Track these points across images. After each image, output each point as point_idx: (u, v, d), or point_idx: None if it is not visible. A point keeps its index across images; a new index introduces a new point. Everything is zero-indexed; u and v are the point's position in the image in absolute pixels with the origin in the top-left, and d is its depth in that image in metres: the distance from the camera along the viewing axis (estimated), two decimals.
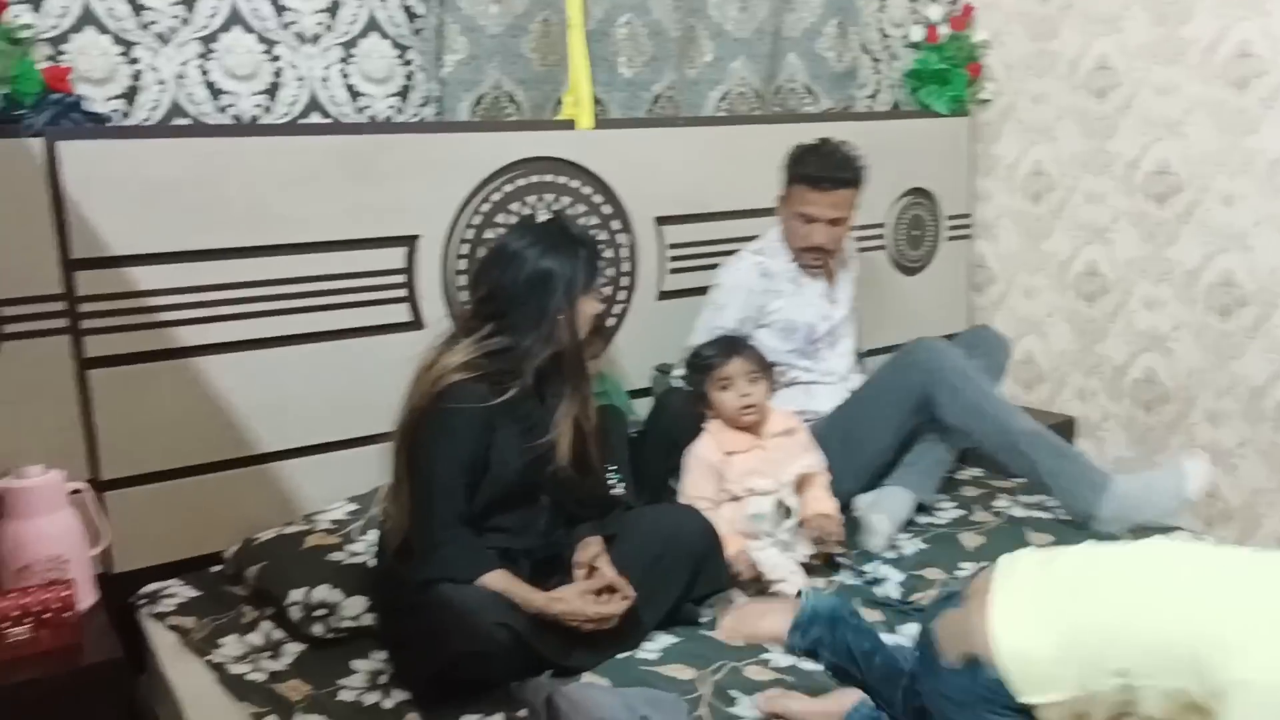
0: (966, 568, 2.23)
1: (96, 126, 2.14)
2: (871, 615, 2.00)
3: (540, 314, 1.91)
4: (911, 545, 2.36)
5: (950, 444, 2.51)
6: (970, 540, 2.38)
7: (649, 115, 2.86)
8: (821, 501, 2.20)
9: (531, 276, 1.92)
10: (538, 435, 1.91)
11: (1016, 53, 3.35)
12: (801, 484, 2.23)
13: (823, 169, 2.52)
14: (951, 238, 3.42)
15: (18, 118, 2.03)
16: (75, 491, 2.02)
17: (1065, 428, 3.28)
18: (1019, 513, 2.50)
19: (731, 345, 2.30)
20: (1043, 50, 3.27)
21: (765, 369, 2.30)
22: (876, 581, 2.16)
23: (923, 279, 3.37)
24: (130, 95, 2.21)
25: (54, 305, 2.05)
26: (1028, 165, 3.37)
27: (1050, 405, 3.40)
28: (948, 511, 2.54)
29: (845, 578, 2.19)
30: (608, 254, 2.70)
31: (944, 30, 3.30)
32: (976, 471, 2.80)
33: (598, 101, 2.77)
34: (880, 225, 3.23)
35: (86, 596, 2.00)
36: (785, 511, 2.13)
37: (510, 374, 1.88)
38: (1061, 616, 1.40)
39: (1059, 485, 2.35)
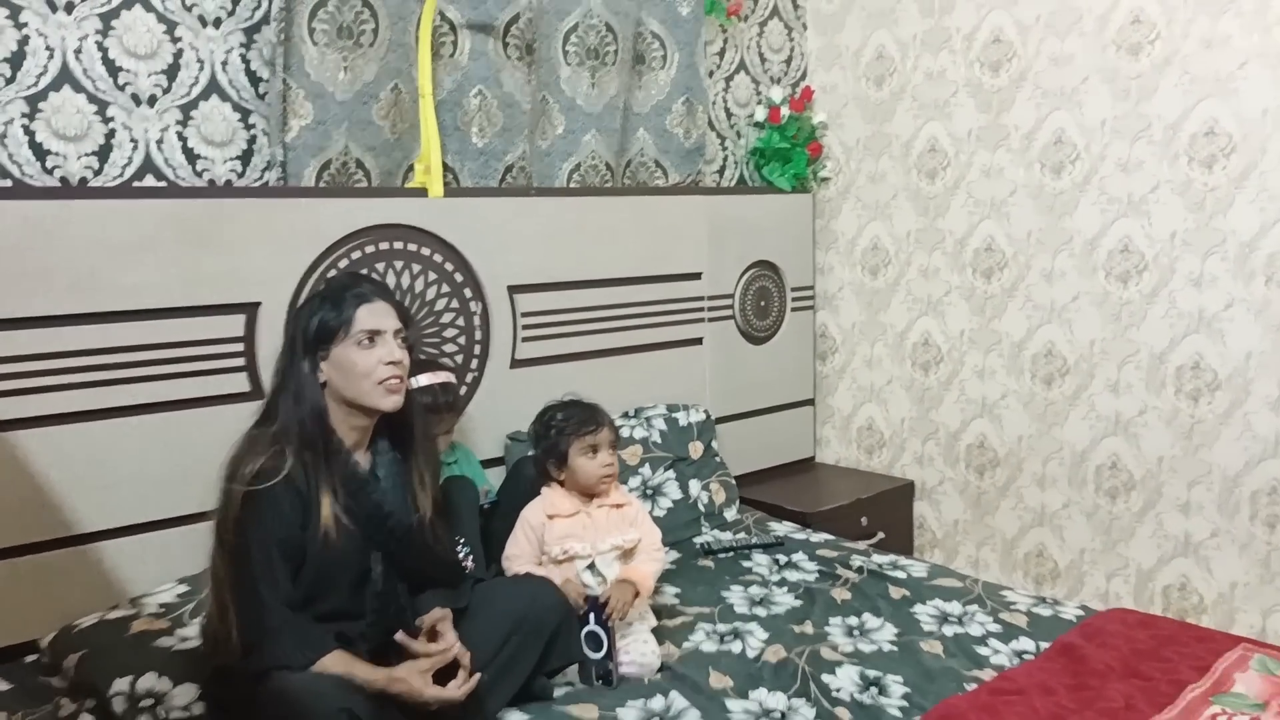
0: (837, 621, 2.30)
1: None
2: (722, 681, 2.01)
3: (284, 377, 1.87)
4: (784, 600, 2.41)
5: None
6: (839, 594, 2.46)
7: (501, 185, 2.87)
8: (630, 569, 2.18)
9: (283, 342, 1.90)
10: (364, 502, 1.85)
11: (854, 134, 3.53)
12: (627, 555, 2.25)
13: None
14: (796, 309, 3.54)
15: None
16: None
17: (905, 492, 3.42)
18: (874, 569, 2.60)
19: (597, 412, 2.31)
20: (878, 132, 3.45)
21: (618, 442, 2.32)
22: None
23: (771, 348, 3.46)
24: None
25: None
26: (866, 241, 3.53)
27: (890, 470, 3.53)
28: (810, 572, 2.61)
29: (699, 641, 2.19)
30: (457, 322, 2.68)
31: (785, 111, 3.45)
32: (827, 535, 2.88)
33: (449, 171, 2.76)
34: (729, 296, 3.31)
35: None
36: (600, 579, 2.16)
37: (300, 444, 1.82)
38: None
39: None
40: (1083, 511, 3.08)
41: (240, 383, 2.32)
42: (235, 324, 2.32)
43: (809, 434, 3.64)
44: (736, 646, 2.17)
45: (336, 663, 1.72)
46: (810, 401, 3.63)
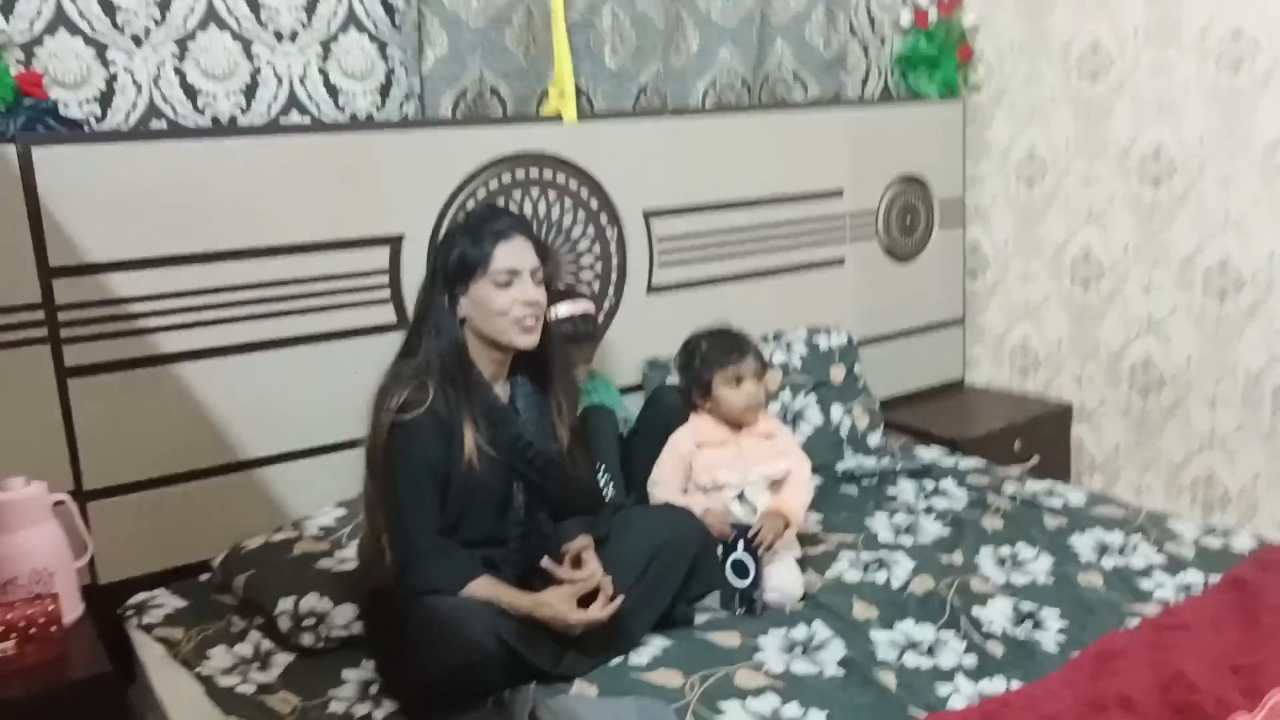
0: (988, 552, 2.22)
1: (71, 132, 2.10)
2: (866, 611, 1.98)
3: (425, 311, 1.90)
4: (932, 529, 2.35)
5: None
6: (990, 523, 2.37)
7: (635, 107, 2.82)
8: (781, 500, 2.15)
9: (425, 275, 1.93)
10: (505, 433, 1.88)
11: (1008, 36, 3.30)
12: (777, 491, 2.20)
13: None
14: (944, 224, 3.38)
15: None
16: (58, 503, 1.99)
17: (1062, 415, 3.26)
18: (1028, 497, 2.50)
19: (742, 341, 2.27)
20: (1035, 32, 3.23)
21: (766, 370, 2.29)
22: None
23: (917, 266, 3.33)
24: (105, 99, 2.17)
25: (32, 314, 2.02)
26: (1021, 149, 3.33)
27: (1046, 392, 3.37)
28: (959, 499, 2.53)
29: (843, 570, 2.16)
30: (593, 249, 2.67)
31: (933, 14, 3.26)
32: (978, 461, 2.78)
33: (582, 94, 2.72)
34: (872, 213, 3.19)
35: (72, 609, 1.96)
36: (748, 509, 2.13)
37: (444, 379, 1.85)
38: None
39: None
40: (1257, 434, 2.88)
41: (386, 314, 2.38)
42: (380, 257, 2.36)
43: (958, 355, 3.51)
44: (881, 576, 2.12)
45: (484, 587, 1.76)
46: (960, 321, 3.49)
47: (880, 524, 2.40)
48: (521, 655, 1.71)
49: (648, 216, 2.74)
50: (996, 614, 1.96)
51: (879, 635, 1.91)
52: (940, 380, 3.46)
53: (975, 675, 1.78)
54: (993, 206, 3.44)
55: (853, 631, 1.92)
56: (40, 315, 2.03)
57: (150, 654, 1.96)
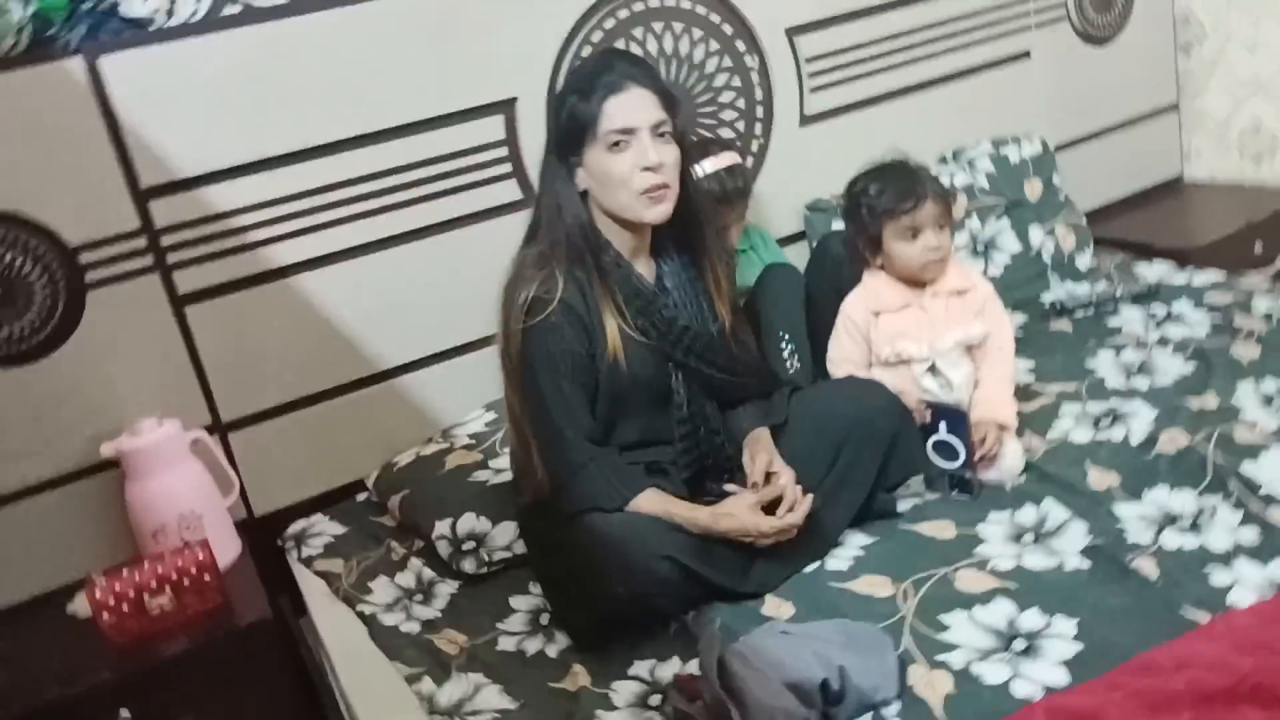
0: (1247, 389, 1.82)
1: (139, 33, 1.87)
2: (1105, 479, 1.66)
3: (543, 187, 1.63)
4: (1171, 366, 1.98)
5: None
6: (1244, 351, 1.98)
7: None
8: (985, 405, 1.78)
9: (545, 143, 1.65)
10: (654, 317, 1.61)
11: None
12: (975, 357, 1.85)
13: None
14: None
15: (51, 38, 1.79)
16: (195, 441, 1.87)
17: None
18: None
19: (917, 180, 1.85)
20: None
21: (951, 212, 1.88)
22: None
23: (1117, 49, 2.82)
24: None
25: (135, 242, 1.86)
26: None
27: None
28: (1199, 324, 2.13)
29: (1068, 429, 1.83)
30: (732, 83, 2.31)
31: None
32: (1215, 274, 2.36)
33: None
34: None
35: (229, 549, 1.87)
36: (942, 383, 1.80)
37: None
38: None
39: None
40: None
41: (510, 190, 2.13)
42: (494, 127, 2.09)
43: (1174, 148, 3.00)
44: (1117, 432, 1.78)
45: (653, 502, 1.54)
46: (1174, 107, 2.96)
47: (1106, 365, 2.04)
48: (701, 575, 1.49)
49: (791, 35, 2.35)
50: (1273, 469, 1.59)
51: (1126, 510, 1.58)
52: (1155, 180, 2.97)
53: (1261, 555, 1.44)
54: None
55: (1092, 507, 1.60)
56: (143, 242, 1.87)
57: (313, 590, 1.86)
